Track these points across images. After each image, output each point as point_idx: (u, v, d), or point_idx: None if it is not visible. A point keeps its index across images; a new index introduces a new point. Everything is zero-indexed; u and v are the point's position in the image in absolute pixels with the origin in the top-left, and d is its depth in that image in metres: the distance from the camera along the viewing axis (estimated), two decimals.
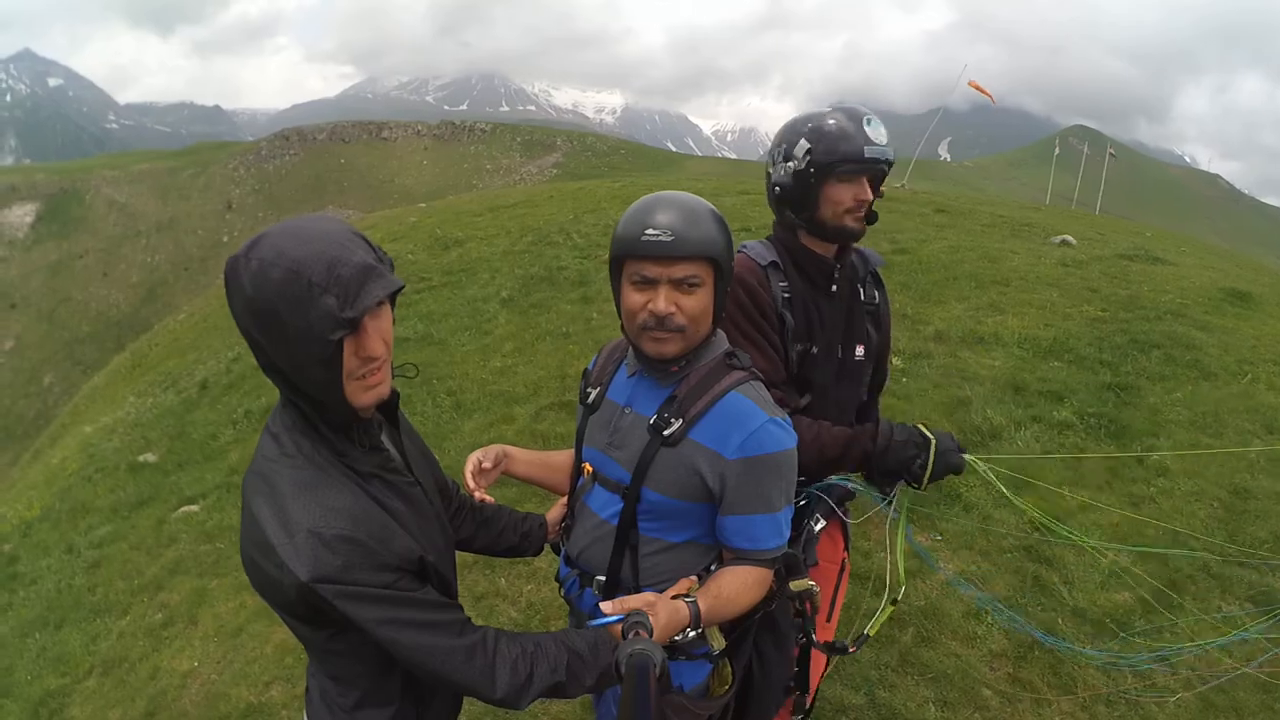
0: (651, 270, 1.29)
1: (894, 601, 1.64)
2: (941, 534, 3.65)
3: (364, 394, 1.11)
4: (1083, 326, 6.50)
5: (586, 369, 1.62)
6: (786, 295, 1.70)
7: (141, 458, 7.02)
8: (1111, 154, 44.37)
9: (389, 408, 1.25)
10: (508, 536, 1.62)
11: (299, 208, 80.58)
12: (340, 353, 1.04)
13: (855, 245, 1.79)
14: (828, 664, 1.85)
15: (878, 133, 1.60)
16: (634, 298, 1.33)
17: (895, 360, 5.78)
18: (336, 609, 1.03)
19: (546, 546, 1.69)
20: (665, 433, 1.34)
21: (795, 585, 1.47)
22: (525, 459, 1.66)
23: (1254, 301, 7.53)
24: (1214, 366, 5.35)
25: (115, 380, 15.53)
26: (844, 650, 1.66)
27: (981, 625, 2.98)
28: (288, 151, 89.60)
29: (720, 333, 1.45)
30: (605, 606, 1.22)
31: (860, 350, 1.79)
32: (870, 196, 1.64)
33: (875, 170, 1.63)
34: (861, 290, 1.81)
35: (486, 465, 1.58)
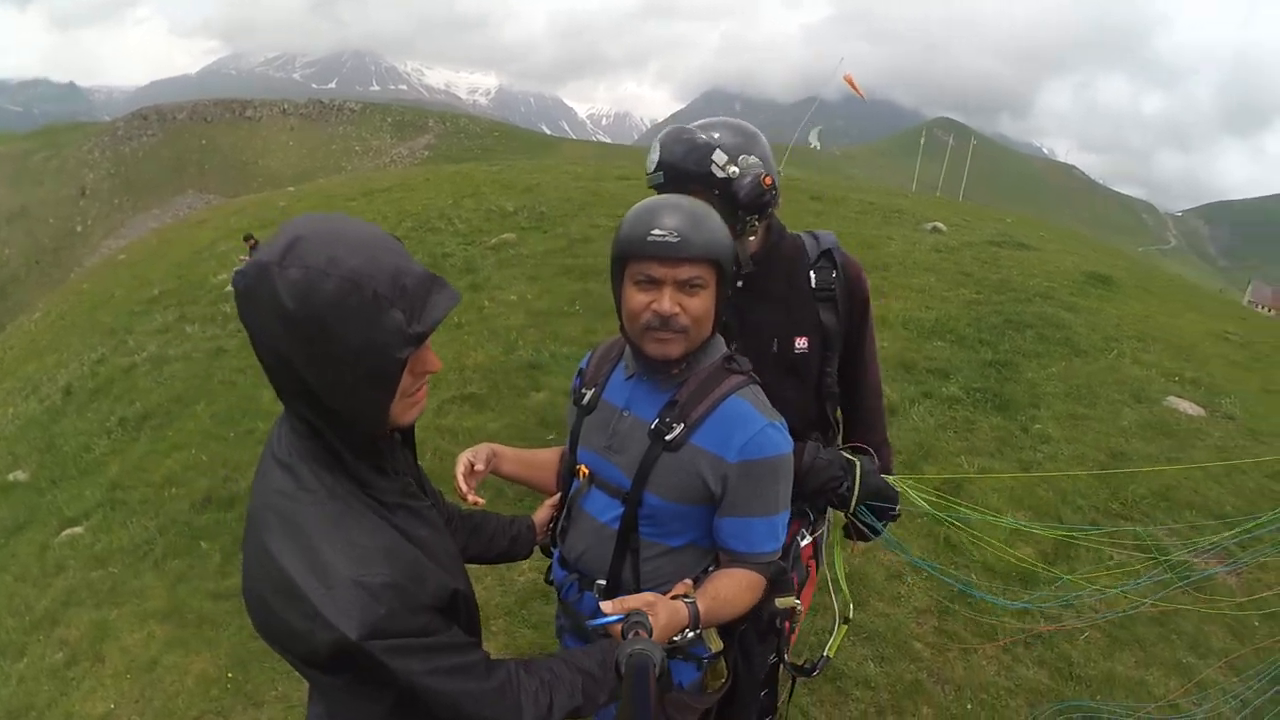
0: (657, 271, 1.30)
1: (846, 620, 1.74)
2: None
3: (409, 411, 1.06)
4: (960, 309, 7.04)
5: (580, 367, 1.60)
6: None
7: (11, 476, 6.32)
8: (974, 143, 48.05)
9: (408, 430, 1.18)
10: (499, 541, 1.58)
11: (157, 191, 73.64)
12: (401, 373, 0.96)
13: (812, 230, 1.79)
14: (793, 685, 1.87)
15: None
16: (638, 298, 1.32)
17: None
18: (383, 665, 0.96)
19: (535, 549, 1.66)
20: (667, 437, 1.34)
21: (781, 602, 1.49)
22: (512, 457, 1.63)
23: (1114, 284, 8.45)
24: (1083, 344, 5.98)
25: None
26: (809, 673, 1.71)
27: (904, 586, 3.25)
28: (145, 132, 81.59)
29: (719, 336, 1.45)
30: (605, 606, 1.22)
31: (803, 342, 1.71)
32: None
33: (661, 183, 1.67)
34: (813, 275, 1.73)
35: (479, 467, 1.55)
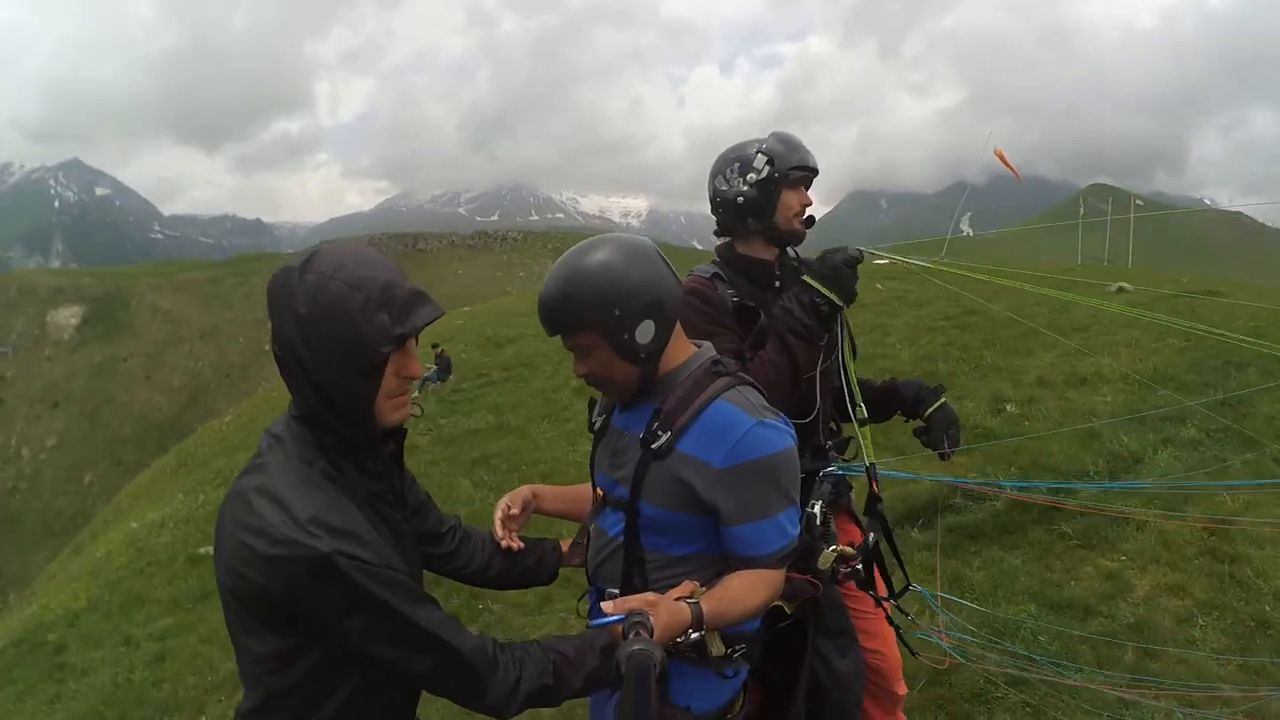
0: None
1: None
2: (1125, 554, 3.59)
3: (394, 412, 1.17)
4: (1174, 357, 6.56)
5: (593, 399, 1.65)
6: (735, 299, 1.85)
7: (202, 550, 6.88)
8: (1139, 203, 44.35)
9: (400, 439, 1.29)
10: (523, 560, 1.60)
11: None
12: (384, 368, 1.11)
13: (797, 251, 1.99)
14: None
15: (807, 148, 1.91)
16: None
17: (1010, 407, 5.96)
18: (351, 583, 1.03)
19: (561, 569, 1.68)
20: (653, 445, 1.35)
21: (822, 561, 1.51)
22: (553, 495, 1.70)
23: None
24: None
25: (160, 479, 15.59)
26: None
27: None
28: None
29: (705, 344, 1.49)
30: (605, 606, 1.22)
31: None
32: (811, 201, 1.91)
33: (811, 178, 1.92)
34: None
35: (514, 511, 1.60)
